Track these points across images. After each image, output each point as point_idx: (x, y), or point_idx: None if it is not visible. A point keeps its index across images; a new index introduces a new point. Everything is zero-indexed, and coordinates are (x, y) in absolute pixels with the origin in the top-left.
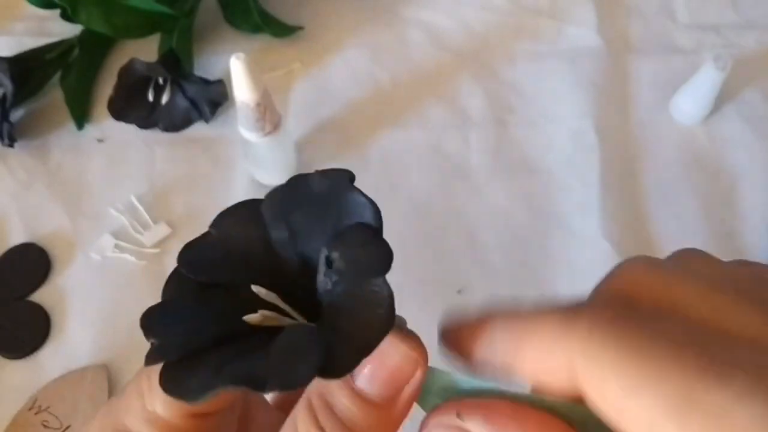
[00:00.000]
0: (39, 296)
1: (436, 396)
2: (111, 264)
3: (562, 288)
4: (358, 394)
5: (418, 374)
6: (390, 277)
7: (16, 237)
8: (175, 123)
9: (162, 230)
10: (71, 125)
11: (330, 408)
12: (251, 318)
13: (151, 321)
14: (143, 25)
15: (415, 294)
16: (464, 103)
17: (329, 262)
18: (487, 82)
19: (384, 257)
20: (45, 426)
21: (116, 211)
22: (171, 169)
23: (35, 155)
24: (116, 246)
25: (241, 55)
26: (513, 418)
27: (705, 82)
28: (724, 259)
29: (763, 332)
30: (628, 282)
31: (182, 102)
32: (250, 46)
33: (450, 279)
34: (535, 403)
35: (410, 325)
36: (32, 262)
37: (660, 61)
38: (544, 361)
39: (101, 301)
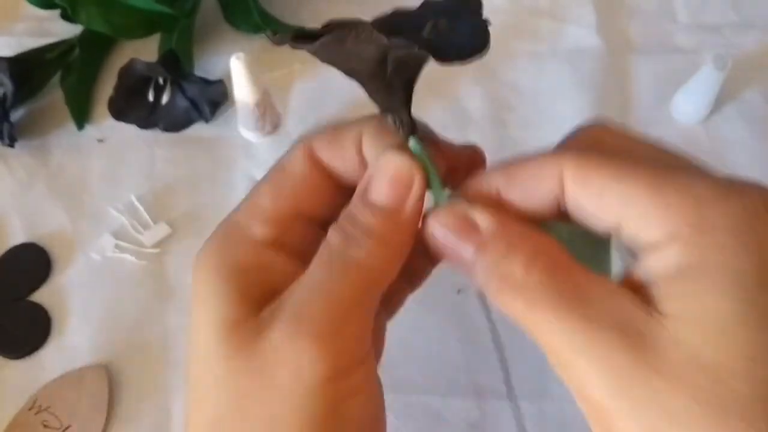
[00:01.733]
0: (39, 296)
1: None
2: (111, 264)
3: None
4: (371, 203)
5: (417, 180)
6: None
7: (16, 237)
8: (176, 123)
9: (162, 230)
10: (71, 125)
11: (353, 219)
12: None
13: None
14: (143, 25)
15: (415, 294)
16: (464, 102)
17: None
18: (487, 82)
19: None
20: (45, 426)
21: (116, 211)
22: (171, 169)
23: (35, 155)
24: (116, 246)
25: (241, 55)
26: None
27: (705, 81)
28: None
29: (693, 167)
30: (592, 135)
31: (182, 102)
32: (251, 46)
33: (450, 279)
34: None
35: (410, 325)
36: (32, 262)
37: (660, 61)
38: (535, 188)
39: (101, 301)
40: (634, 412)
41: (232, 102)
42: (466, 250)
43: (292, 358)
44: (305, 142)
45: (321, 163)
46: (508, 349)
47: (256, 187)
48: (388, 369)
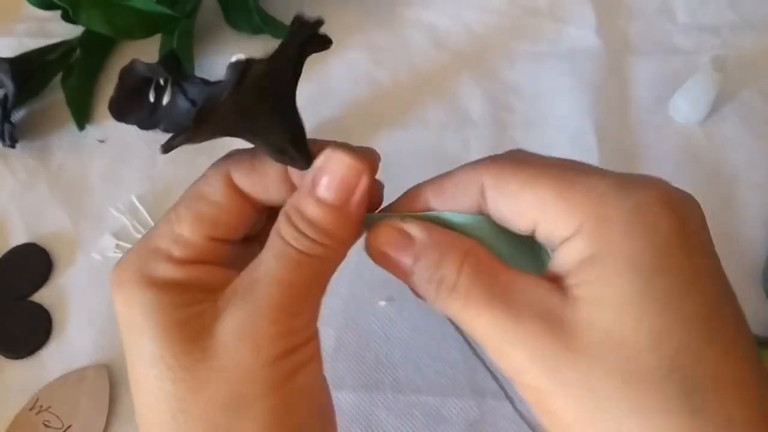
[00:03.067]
0: (40, 296)
1: None
2: (112, 264)
3: None
4: (320, 200)
5: (364, 179)
6: (390, 276)
7: (18, 237)
8: (176, 124)
9: None
10: (72, 126)
11: (301, 214)
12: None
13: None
14: (144, 26)
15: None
16: (464, 103)
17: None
18: (487, 83)
19: None
20: (46, 426)
21: (117, 212)
22: (172, 169)
23: (37, 156)
24: (117, 246)
25: (242, 55)
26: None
27: (704, 82)
28: (723, 261)
29: (597, 169)
30: (509, 153)
31: (183, 103)
32: (251, 46)
33: None
34: (443, 222)
35: (410, 325)
36: (33, 263)
37: (659, 62)
38: (460, 196)
39: (102, 301)
40: (566, 391)
41: None
42: (404, 262)
43: (249, 338)
44: (223, 169)
45: (240, 190)
46: None
47: (174, 214)
48: (388, 369)
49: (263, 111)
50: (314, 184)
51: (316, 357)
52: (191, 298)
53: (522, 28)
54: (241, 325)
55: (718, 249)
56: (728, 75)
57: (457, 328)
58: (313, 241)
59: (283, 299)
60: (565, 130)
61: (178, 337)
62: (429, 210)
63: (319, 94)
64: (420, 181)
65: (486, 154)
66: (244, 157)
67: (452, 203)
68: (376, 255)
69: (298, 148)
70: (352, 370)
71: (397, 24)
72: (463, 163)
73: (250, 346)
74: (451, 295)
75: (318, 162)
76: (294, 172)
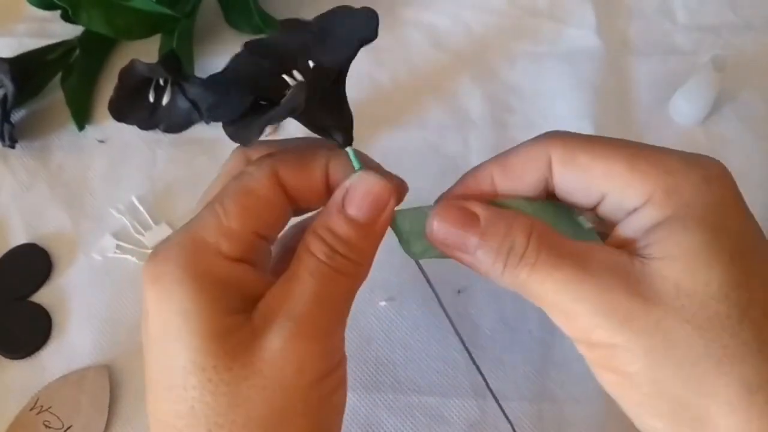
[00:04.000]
0: (40, 297)
1: (417, 237)
2: (112, 264)
3: None
4: (350, 218)
5: (392, 201)
6: (390, 276)
7: (18, 237)
8: (176, 124)
9: (163, 231)
10: (72, 126)
11: (333, 232)
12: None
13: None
14: (144, 26)
15: (415, 294)
16: (464, 103)
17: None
18: (487, 83)
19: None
20: (46, 426)
21: (117, 212)
22: (172, 169)
23: (36, 156)
24: (117, 247)
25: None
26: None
27: (704, 82)
28: None
29: (664, 150)
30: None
31: (183, 103)
32: None
33: (450, 279)
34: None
35: (410, 325)
36: (33, 263)
37: (659, 62)
38: (526, 172)
39: (103, 302)
40: (637, 342)
41: None
42: (470, 240)
43: (294, 358)
44: (270, 167)
45: (285, 187)
46: (507, 352)
47: (220, 208)
48: (388, 369)
49: (320, 104)
50: (345, 203)
51: (345, 379)
52: (232, 303)
53: (522, 28)
54: (285, 345)
55: None
56: (728, 75)
57: (456, 331)
58: (346, 258)
59: (322, 317)
60: (565, 130)
61: (219, 350)
62: (495, 191)
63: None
64: (420, 181)
65: (486, 155)
66: (291, 156)
67: (519, 179)
68: (441, 237)
69: (343, 134)
70: (352, 370)
71: (397, 24)
72: (466, 162)
73: (296, 367)
74: (520, 263)
75: (349, 182)
76: (336, 177)
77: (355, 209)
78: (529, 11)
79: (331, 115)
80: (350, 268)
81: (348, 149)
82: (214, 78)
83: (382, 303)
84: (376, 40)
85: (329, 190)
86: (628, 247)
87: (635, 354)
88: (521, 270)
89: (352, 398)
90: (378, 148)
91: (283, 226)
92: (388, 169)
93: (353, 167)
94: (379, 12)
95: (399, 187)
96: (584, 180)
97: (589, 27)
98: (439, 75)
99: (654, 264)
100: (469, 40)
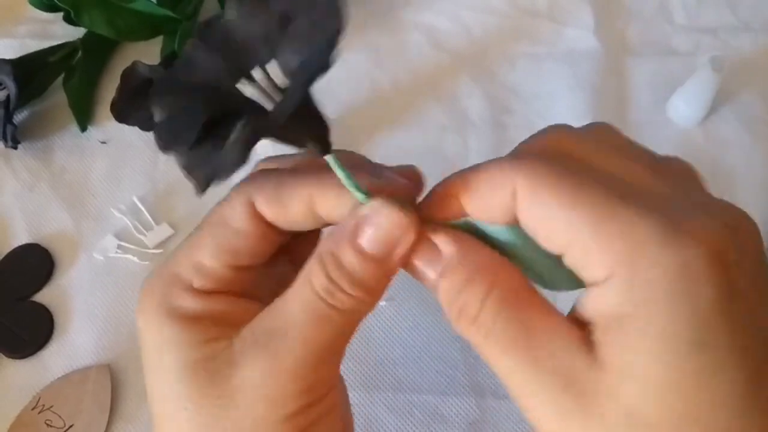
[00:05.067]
0: (42, 296)
1: None
2: (114, 265)
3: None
4: (361, 251)
5: (408, 236)
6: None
7: (20, 238)
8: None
9: (164, 231)
10: (74, 127)
11: (338, 262)
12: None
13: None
14: (146, 28)
15: (415, 294)
16: (463, 104)
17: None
18: (486, 84)
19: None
20: (48, 425)
21: (119, 213)
22: (173, 170)
23: (39, 157)
24: (119, 247)
25: None
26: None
27: (702, 83)
28: None
29: (656, 185)
30: (553, 141)
31: None
32: None
33: None
34: (475, 230)
35: (410, 325)
36: (36, 263)
37: (657, 63)
38: (490, 197)
39: (104, 302)
40: None
41: None
42: (429, 276)
43: (269, 395)
44: (246, 194)
45: (263, 217)
46: None
47: (195, 239)
48: (388, 369)
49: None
50: (357, 232)
51: (337, 404)
52: (207, 334)
53: (521, 29)
54: (259, 380)
55: None
56: (727, 76)
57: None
58: (346, 293)
59: (306, 357)
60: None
61: (192, 379)
62: (462, 213)
63: (319, 95)
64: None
65: (485, 156)
66: (268, 182)
67: (482, 203)
68: (402, 261)
69: (319, 144)
70: (352, 370)
71: (397, 25)
72: (465, 163)
73: (268, 404)
74: (471, 326)
75: (365, 210)
76: (325, 210)
77: (367, 241)
78: (528, 12)
79: (302, 124)
80: (350, 304)
81: (328, 157)
82: (165, 85)
83: (382, 303)
84: (376, 41)
85: (319, 219)
86: (588, 329)
87: None
88: (473, 333)
89: (352, 397)
90: (377, 150)
91: (271, 250)
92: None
93: (347, 190)
94: (379, 13)
95: (414, 217)
96: (546, 224)
97: (588, 28)
98: (438, 76)
99: (608, 376)
100: (468, 41)
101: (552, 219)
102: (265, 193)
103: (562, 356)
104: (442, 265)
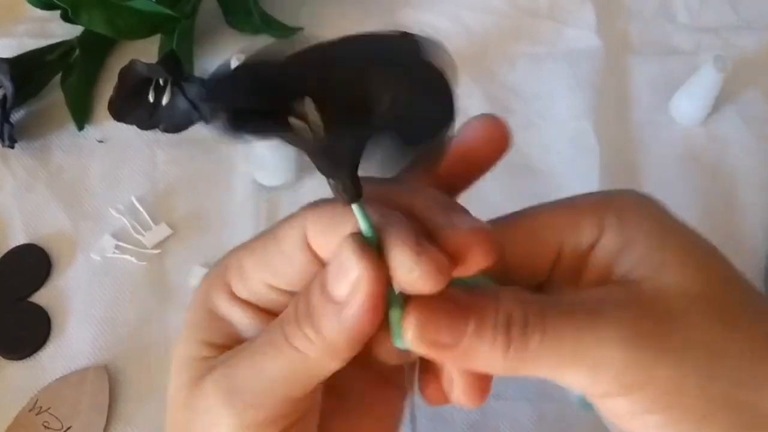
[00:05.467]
0: (39, 297)
1: None
2: (112, 265)
3: None
4: (327, 294)
5: (366, 281)
6: None
7: (17, 238)
8: (176, 124)
9: (163, 231)
10: (72, 126)
11: (309, 303)
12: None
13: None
14: (144, 26)
15: None
16: (463, 104)
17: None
18: (486, 84)
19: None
20: (46, 427)
21: (117, 212)
22: (172, 170)
23: (36, 156)
24: (117, 247)
25: (242, 56)
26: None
27: (704, 83)
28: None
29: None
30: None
31: (183, 103)
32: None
33: None
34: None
35: None
36: (33, 263)
37: (659, 62)
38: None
39: (102, 302)
40: (684, 357)
41: None
42: (465, 327)
43: (216, 412)
44: (302, 221)
45: (312, 247)
46: None
47: (255, 242)
48: None
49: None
50: (327, 274)
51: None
52: (212, 337)
53: (522, 29)
54: (216, 411)
55: (719, 248)
56: (729, 75)
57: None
58: (306, 335)
59: (254, 385)
60: (565, 130)
61: (182, 371)
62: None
63: None
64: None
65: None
66: (324, 213)
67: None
68: (431, 337)
69: (351, 177)
70: None
71: (397, 25)
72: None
73: (215, 422)
74: (526, 332)
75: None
76: (317, 241)
77: (330, 285)
78: (529, 12)
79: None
80: (306, 349)
81: (354, 206)
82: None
83: None
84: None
85: None
86: (607, 279)
87: (683, 371)
88: (531, 339)
89: None
90: None
91: (306, 279)
92: None
93: (337, 229)
94: (379, 13)
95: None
96: (533, 236)
97: (589, 27)
98: None
99: (649, 283)
100: (468, 40)
101: (534, 227)
102: (319, 223)
103: (612, 296)
104: (468, 310)
